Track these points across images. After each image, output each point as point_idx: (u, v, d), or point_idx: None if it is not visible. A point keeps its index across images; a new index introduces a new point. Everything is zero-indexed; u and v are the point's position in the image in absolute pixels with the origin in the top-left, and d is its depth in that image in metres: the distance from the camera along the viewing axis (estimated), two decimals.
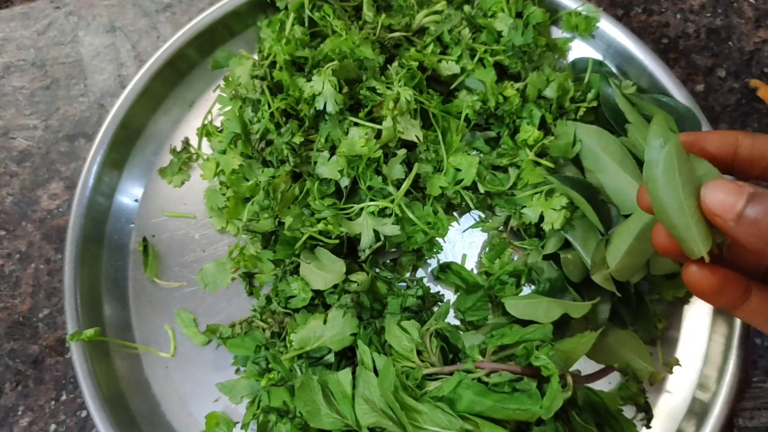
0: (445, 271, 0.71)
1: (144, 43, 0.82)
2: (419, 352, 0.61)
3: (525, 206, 0.69)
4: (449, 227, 0.70)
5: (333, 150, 0.67)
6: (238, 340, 0.68)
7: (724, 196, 0.40)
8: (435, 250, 0.71)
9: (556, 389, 0.54)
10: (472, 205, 0.71)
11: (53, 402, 0.70)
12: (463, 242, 0.74)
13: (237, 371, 0.69)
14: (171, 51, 0.76)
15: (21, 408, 0.70)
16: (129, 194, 0.75)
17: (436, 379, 0.59)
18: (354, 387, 0.61)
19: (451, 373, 0.58)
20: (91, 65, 0.81)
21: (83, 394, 0.65)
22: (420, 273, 0.72)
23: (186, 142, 0.77)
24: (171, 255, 0.74)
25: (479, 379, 0.56)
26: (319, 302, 0.68)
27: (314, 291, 0.66)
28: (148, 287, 0.73)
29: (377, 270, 0.71)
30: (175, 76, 0.78)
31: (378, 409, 0.58)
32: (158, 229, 0.74)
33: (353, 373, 0.61)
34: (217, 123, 0.77)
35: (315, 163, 0.67)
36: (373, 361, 0.61)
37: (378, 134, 0.66)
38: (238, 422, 0.68)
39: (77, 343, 0.66)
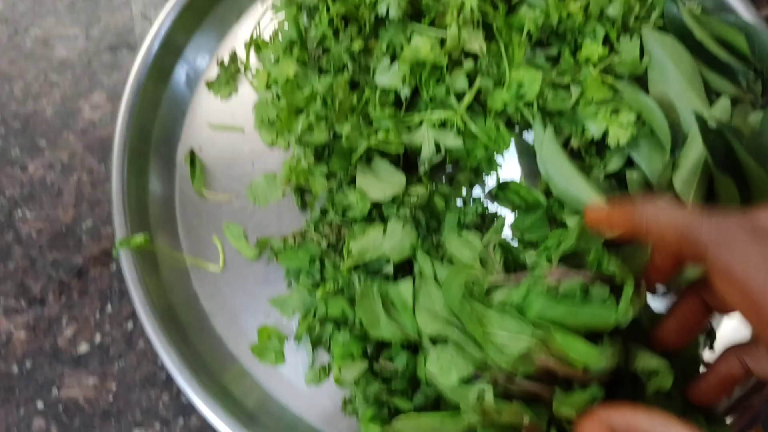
0: (503, 189, 0.69)
1: None
2: (483, 262, 0.60)
3: (589, 122, 0.67)
4: (510, 141, 0.68)
5: (394, 57, 0.65)
6: (290, 253, 0.66)
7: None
8: (493, 167, 0.69)
9: (632, 295, 0.52)
10: (533, 122, 0.69)
11: (98, 313, 0.69)
12: (519, 161, 0.72)
13: (289, 285, 0.67)
14: None
15: (65, 318, 0.69)
16: (176, 107, 0.73)
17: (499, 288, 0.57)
18: (414, 298, 0.59)
19: (518, 284, 0.56)
20: None
21: (134, 302, 0.63)
22: (477, 193, 0.70)
23: (233, 55, 0.74)
24: (218, 169, 0.72)
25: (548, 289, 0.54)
26: (376, 215, 0.66)
27: (373, 204, 0.64)
28: (196, 201, 0.71)
29: (435, 186, 0.69)
30: None
31: (441, 317, 0.56)
32: (205, 142, 0.72)
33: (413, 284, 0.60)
34: (266, 36, 0.74)
35: (374, 71, 0.65)
36: (434, 272, 0.60)
37: (441, 42, 0.64)
38: (289, 336, 0.66)
39: (126, 252, 0.64)
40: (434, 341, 0.57)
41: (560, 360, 0.52)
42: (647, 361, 0.55)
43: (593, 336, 0.53)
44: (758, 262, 0.39)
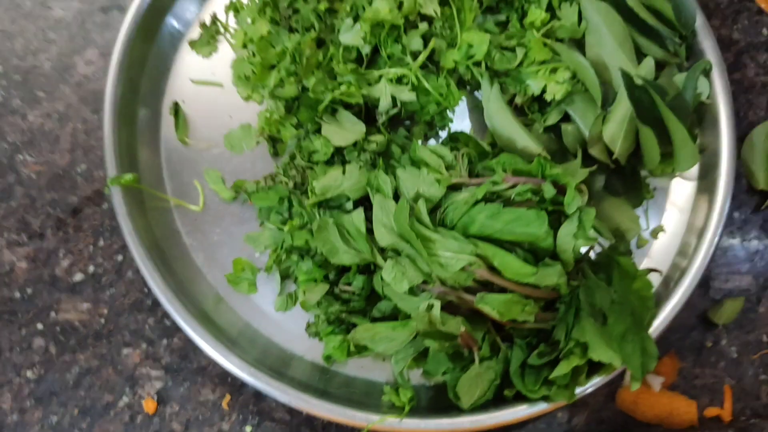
0: (455, 140, 0.77)
1: None
2: (450, 167, 0.68)
3: (530, 80, 0.75)
4: (460, 101, 0.76)
5: (357, 19, 0.73)
6: (262, 194, 0.74)
7: None
8: (445, 121, 0.77)
9: (574, 193, 0.61)
10: (481, 80, 0.77)
11: (91, 246, 0.77)
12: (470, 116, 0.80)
13: (261, 224, 0.75)
14: None
15: (62, 251, 0.77)
16: (159, 63, 0.80)
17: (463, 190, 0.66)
18: (368, 229, 0.67)
19: (479, 185, 0.65)
20: None
21: (123, 234, 0.71)
22: (431, 143, 0.78)
23: (214, 17, 0.82)
24: (200, 119, 0.79)
25: (499, 198, 0.62)
26: (338, 160, 0.74)
27: (335, 148, 0.72)
28: (179, 148, 0.79)
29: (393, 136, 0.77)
30: None
31: (396, 232, 0.64)
32: (188, 96, 0.80)
33: (366, 217, 0.68)
34: (244, 1, 0.81)
35: (339, 30, 0.72)
36: (393, 188, 0.67)
37: (399, 4, 0.72)
38: (261, 269, 0.74)
39: (117, 190, 0.72)
40: (388, 255, 0.65)
41: (497, 274, 0.61)
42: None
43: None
44: None
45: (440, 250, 0.62)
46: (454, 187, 0.66)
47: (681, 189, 0.78)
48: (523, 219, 0.62)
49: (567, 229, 0.63)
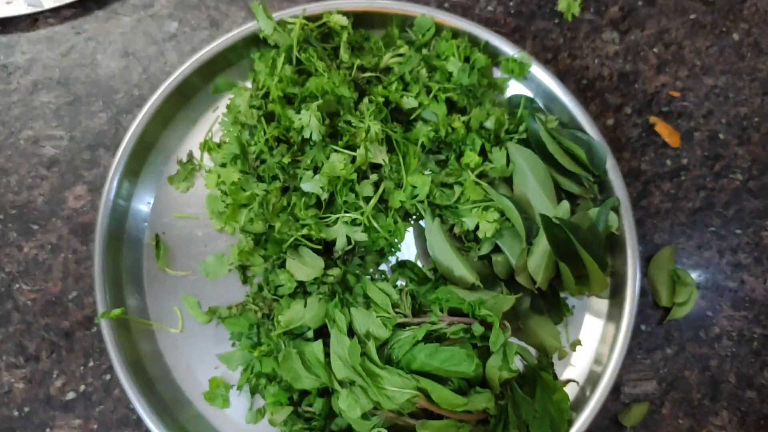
0: (402, 267, 0.89)
1: (153, 67, 0.97)
2: (394, 306, 0.80)
3: (465, 217, 0.87)
4: (405, 232, 0.88)
5: (316, 170, 0.84)
6: (234, 320, 0.85)
7: None
8: (394, 251, 0.89)
9: (498, 332, 0.74)
10: (424, 215, 0.89)
11: (82, 367, 0.87)
12: (416, 243, 0.92)
13: (233, 345, 0.86)
14: (179, 79, 0.91)
15: (56, 372, 0.87)
16: (143, 198, 0.91)
17: (407, 328, 0.78)
18: (326, 355, 0.78)
19: (419, 324, 0.77)
20: (108, 85, 0.96)
21: (111, 359, 0.81)
22: (383, 267, 0.90)
23: (190, 155, 0.93)
24: (179, 249, 0.90)
25: (437, 334, 0.75)
26: (300, 291, 0.85)
27: (298, 282, 0.84)
28: (160, 275, 0.89)
29: (348, 266, 0.88)
30: (181, 98, 0.93)
31: (349, 366, 0.75)
32: (168, 227, 0.91)
33: (325, 345, 0.79)
34: (216, 139, 0.93)
35: (301, 179, 0.84)
36: (347, 324, 0.79)
37: (353, 159, 0.83)
38: (233, 385, 0.85)
39: (105, 320, 0.82)
40: (343, 384, 0.77)
41: (435, 404, 0.73)
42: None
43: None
44: None
45: (387, 385, 0.73)
46: (400, 324, 0.78)
47: (595, 304, 0.91)
48: (456, 357, 0.74)
49: (493, 361, 0.76)
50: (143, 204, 0.91)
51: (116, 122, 0.95)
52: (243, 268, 0.89)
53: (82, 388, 0.86)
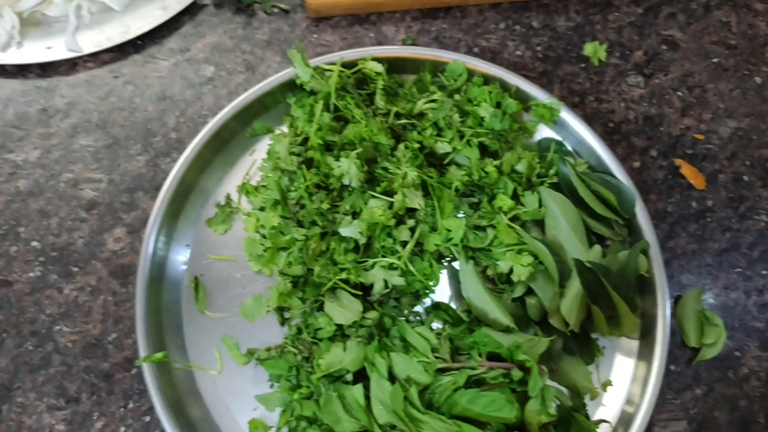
0: (436, 308, 0.91)
1: (190, 110, 1.00)
2: (435, 350, 0.82)
3: (499, 260, 0.89)
4: (440, 275, 0.90)
5: (354, 215, 0.86)
6: (274, 362, 0.86)
7: None
8: (428, 293, 0.91)
9: (537, 377, 0.75)
10: (458, 257, 0.91)
11: (122, 409, 0.88)
12: (449, 284, 0.94)
13: (272, 386, 0.88)
14: (219, 123, 0.93)
15: (96, 414, 0.88)
16: (182, 240, 0.93)
17: (447, 373, 0.80)
18: (367, 398, 0.80)
19: (459, 369, 0.79)
20: (145, 128, 0.98)
21: (152, 400, 0.82)
22: (417, 309, 0.92)
23: (228, 198, 0.95)
24: (217, 291, 0.92)
25: (475, 378, 0.77)
26: (339, 333, 0.86)
27: (336, 325, 0.85)
28: (199, 317, 0.91)
29: (384, 308, 0.90)
30: (220, 142, 0.95)
31: (390, 410, 0.77)
32: (206, 269, 0.92)
33: (365, 387, 0.80)
34: (254, 182, 0.95)
35: (339, 224, 0.86)
36: (388, 370, 0.81)
37: (390, 205, 0.85)
38: (272, 427, 0.86)
39: (145, 362, 0.84)
40: (384, 428, 0.78)
41: None
42: None
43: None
44: None
45: (429, 430, 0.75)
46: (440, 369, 0.80)
47: (626, 344, 0.93)
48: (497, 403, 0.75)
49: (532, 405, 0.77)
50: (182, 247, 0.93)
51: (154, 165, 0.97)
52: (281, 310, 0.91)
53: (122, 429, 0.88)
